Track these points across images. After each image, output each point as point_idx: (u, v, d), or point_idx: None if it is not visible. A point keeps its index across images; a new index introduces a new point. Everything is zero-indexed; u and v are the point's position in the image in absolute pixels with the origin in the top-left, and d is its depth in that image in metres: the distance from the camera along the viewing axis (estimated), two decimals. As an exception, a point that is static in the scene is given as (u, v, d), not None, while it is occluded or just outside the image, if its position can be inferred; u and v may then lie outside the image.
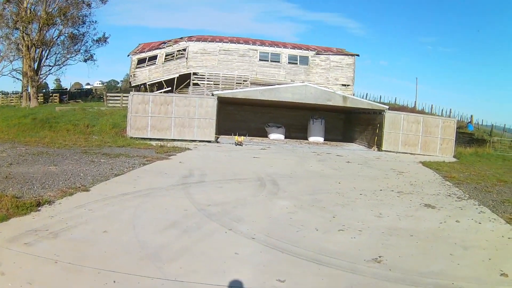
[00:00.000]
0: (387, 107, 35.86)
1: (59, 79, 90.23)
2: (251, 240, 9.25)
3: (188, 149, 25.61)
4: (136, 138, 28.90)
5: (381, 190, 16.15)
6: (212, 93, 32.61)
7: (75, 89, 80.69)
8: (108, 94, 48.73)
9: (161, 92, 42.73)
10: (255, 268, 7.77)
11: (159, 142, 27.63)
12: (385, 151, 32.30)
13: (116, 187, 13.53)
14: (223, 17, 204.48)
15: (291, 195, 14.30)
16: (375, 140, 34.17)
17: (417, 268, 8.24)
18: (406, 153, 32.16)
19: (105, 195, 12.21)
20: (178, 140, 29.52)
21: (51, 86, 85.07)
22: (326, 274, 7.74)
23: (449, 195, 15.78)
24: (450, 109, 59.83)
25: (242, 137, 31.25)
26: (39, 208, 10.25)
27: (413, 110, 54.99)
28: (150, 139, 29.12)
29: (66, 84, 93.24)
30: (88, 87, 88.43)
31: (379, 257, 8.64)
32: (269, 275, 7.49)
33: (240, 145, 30.24)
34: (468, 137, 42.27)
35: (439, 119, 35.26)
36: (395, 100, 67.10)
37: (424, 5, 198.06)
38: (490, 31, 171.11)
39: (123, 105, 40.94)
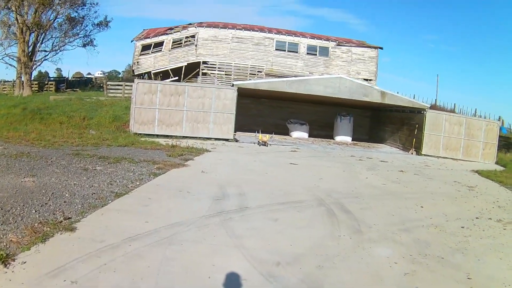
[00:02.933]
0: (429, 105, 31.75)
1: (60, 69, 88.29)
2: None
3: (207, 150, 20.80)
4: (140, 134, 24.20)
5: (477, 218, 11.98)
6: (232, 84, 27.81)
7: (74, 78, 75.81)
8: (108, 83, 44.66)
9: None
10: None
11: (168, 139, 23.09)
12: (424, 155, 28.30)
13: (117, 221, 8.63)
14: (226, 10, 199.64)
15: (383, 234, 9.54)
16: (412, 142, 29.87)
17: None
18: (447, 157, 28.17)
19: (100, 241, 7.34)
20: (190, 137, 24.91)
21: (52, 75, 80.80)
22: None
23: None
24: (475, 110, 54.65)
25: (268, 135, 26.40)
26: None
27: (437, 109, 50.61)
28: (157, 135, 24.55)
29: (67, 73, 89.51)
30: (90, 76, 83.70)
31: None
32: None
33: (265, 145, 25.52)
34: (504, 141, 37.66)
35: (483, 121, 31.33)
36: (414, 97, 62.30)
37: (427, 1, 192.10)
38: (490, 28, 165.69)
39: (125, 95, 36.88)
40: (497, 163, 28.25)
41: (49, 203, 9.27)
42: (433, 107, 46.05)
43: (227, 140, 25.94)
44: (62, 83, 57.44)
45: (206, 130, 25.89)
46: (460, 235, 10.04)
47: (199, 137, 25.29)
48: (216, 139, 25.69)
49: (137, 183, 12.10)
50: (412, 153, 29.22)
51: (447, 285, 7.05)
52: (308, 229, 9.38)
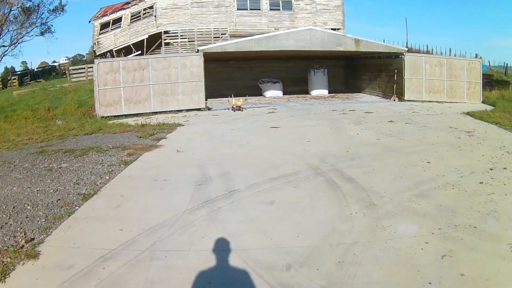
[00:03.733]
0: (406, 49, 30.59)
1: (25, 62, 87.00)
2: None
3: (179, 124, 19.22)
4: (107, 117, 22.31)
5: (491, 169, 10.67)
6: (197, 49, 26.00)
7: (38, 68, 72.94)
8: (70, 68, 43.03)
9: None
10: None
11: (138, 118, 21.45)
12: (408, 100, 27.03)
13: (87, 234, 7.09)
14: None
15: (399, 204, 8.22)
16: (393, 89, 28.48)
17: None
18: (431, 101, 26.96)
19: (68, 267, 5.87)
20: (161, 112, 23.22)
21: (19, 69, 78.55)
22: None
23: None
24: (450, 49, 53.62)
25: (241, 99, 24.88)
26: None
27: (413, 52, 49.63)
28: (126, 115, 22.72)
29: (34, 65, 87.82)
30: (54, 64, 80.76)
31: None
32: None
33: (240, 110, 23.98)
34: (487, 79, 36.55)
35: (464, 61, 29.78)
36: (384, 42, 61.32)
37: None
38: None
39: (89, 77, 35.22)
40: (484, 102, 27.24)
41: (10, 221, 7.72)
42: (409, 50, 45.05)
43: (199, 109, 24.36)
44: (25, 76, 55.04)
45: (176, 102, 24.23)
46: (483, 193, 8.80)
47: (170, 111, 23.68)
48: (187, 110, 24.12)
49: (107, 177, 10.56)
50: (394, 100, 27.97)
51: (495, 265, 5.79)
52: (313, 210, 7.99)
